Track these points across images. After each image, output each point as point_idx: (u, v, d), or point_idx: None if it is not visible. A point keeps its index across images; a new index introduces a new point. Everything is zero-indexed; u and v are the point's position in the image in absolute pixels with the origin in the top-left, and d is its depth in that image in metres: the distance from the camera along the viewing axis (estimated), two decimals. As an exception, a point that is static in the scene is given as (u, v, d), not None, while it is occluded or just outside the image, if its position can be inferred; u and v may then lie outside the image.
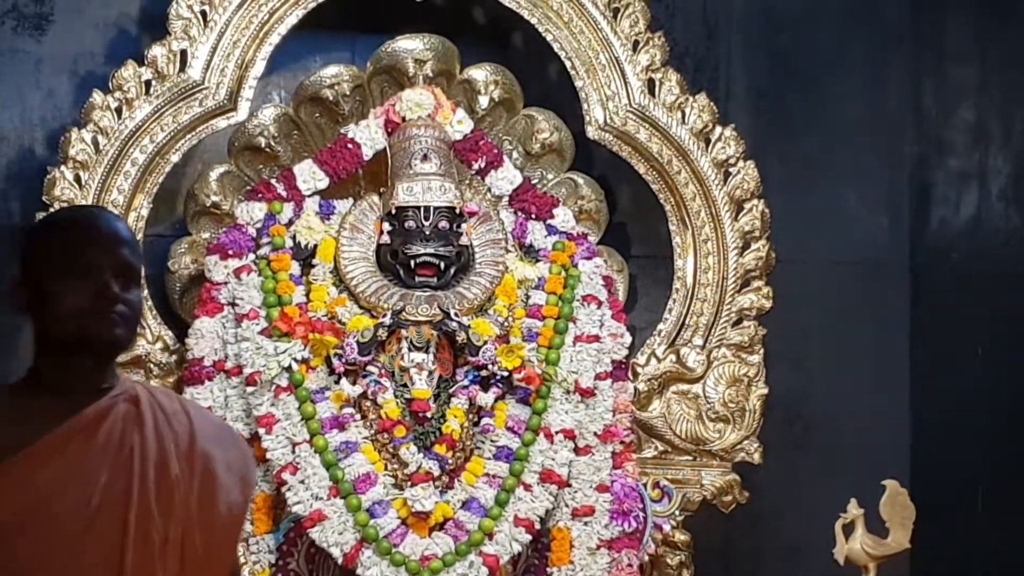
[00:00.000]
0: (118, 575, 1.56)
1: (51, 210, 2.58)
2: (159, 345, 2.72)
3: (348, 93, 2.80)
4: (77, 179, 2.69)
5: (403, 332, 2.57)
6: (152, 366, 2.71)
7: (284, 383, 2.51)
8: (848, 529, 2.61)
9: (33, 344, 1.68)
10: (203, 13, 2.74)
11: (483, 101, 2.86)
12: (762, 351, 2.91)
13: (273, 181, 2.70)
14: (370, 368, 2.55)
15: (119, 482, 1.58)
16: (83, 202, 2.66)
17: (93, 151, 2.69)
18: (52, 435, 1.56)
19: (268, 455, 2.51)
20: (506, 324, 2.66)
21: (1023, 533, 2.92)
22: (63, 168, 2.68)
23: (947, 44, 3.42)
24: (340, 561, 2.48)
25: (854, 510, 2.60)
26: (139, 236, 2.66)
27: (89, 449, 1.59)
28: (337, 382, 2.55)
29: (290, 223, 2.66)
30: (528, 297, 2.70)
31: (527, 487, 2.55)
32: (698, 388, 2.87)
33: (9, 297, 1.68)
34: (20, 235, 1.91)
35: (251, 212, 2.65)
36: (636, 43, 2.87)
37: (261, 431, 2.49)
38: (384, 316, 2.55)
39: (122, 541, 1.56)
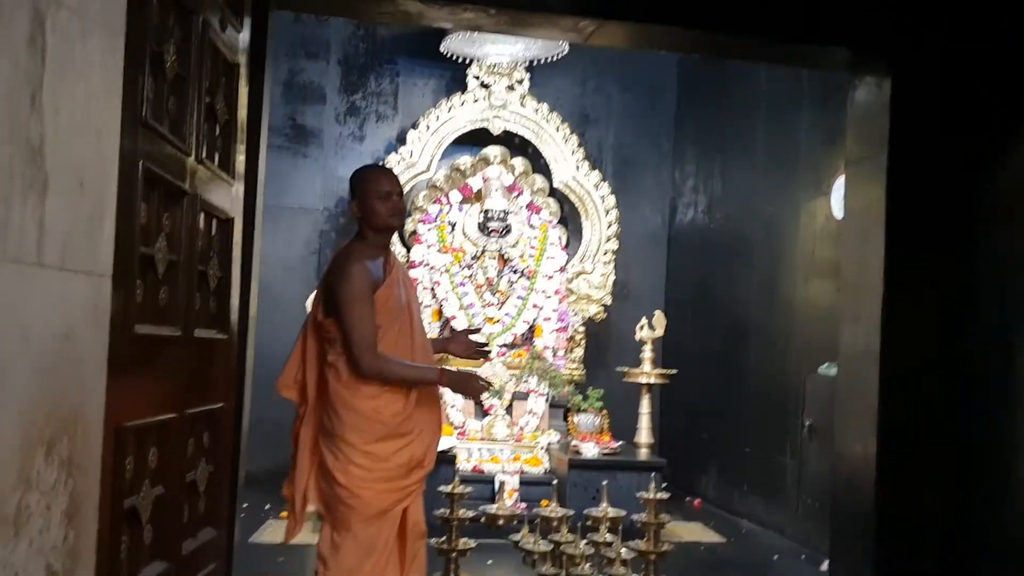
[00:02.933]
0: (410, 326, 3.29)
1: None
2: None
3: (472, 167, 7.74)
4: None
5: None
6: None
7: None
8: None
9: (359, 226, 3.29)
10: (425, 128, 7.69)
11: (518, 168, 7.79)
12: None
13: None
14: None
15: (403, 290, 3.29)
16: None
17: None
18: (392, 271, 3.27)
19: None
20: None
21: None
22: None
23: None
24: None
25: None
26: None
27: (400, 275, 3.35)
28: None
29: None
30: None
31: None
32: None
33: (350, 211, 3.24)
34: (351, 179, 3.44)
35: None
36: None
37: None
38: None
39: (410, 311, 3.33)
